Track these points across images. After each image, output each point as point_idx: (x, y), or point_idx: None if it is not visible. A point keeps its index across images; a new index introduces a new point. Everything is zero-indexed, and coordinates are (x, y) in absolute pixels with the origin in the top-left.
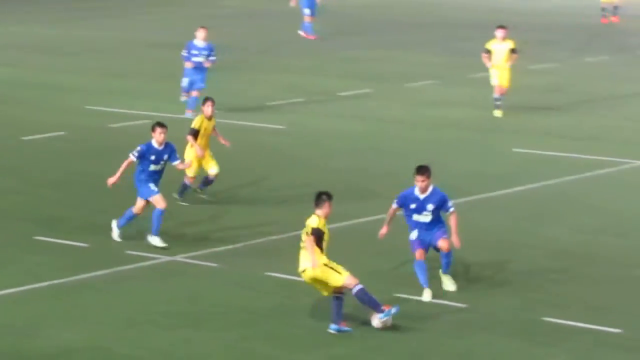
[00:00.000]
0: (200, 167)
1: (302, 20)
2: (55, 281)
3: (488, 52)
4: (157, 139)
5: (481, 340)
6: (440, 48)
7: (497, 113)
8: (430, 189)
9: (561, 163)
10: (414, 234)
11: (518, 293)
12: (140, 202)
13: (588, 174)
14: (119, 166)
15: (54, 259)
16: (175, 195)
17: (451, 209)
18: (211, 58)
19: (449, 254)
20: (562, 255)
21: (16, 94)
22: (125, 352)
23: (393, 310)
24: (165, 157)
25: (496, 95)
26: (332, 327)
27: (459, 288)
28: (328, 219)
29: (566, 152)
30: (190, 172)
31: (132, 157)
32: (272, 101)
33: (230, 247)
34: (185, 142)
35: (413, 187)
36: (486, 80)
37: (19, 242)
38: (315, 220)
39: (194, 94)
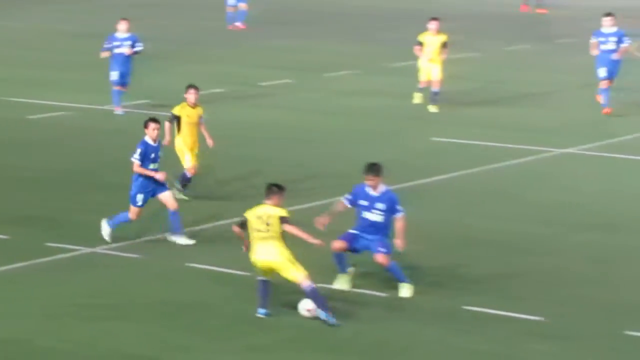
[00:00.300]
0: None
1: (225, 11)
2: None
3: (420, 44)
4: (150, 135)
5: (400, 329)
6: (360, 38)
7: (417, 98)
8: (382, 188)
9: (480, 152)
10: (353, 231)
11: (437, 282)
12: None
13: (507, 163)
14: (39, 158)
15: None
16: (178, 189)
17: (400, 214)
18: (137, 48)
19: (388, 268)
20: (481, 244)
21: None
22: (46, 345)
23: (331, 320)
24: (161, 153)
25: (420, 86)
26: (260, 312)
27: (378, 277)
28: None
29: (485, 141)
30: (187, 163)
31: (137, 161)
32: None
33: (152, 238)
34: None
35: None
36: (405, 70)
37: None
38: (277, 209)
39: (121, 88)
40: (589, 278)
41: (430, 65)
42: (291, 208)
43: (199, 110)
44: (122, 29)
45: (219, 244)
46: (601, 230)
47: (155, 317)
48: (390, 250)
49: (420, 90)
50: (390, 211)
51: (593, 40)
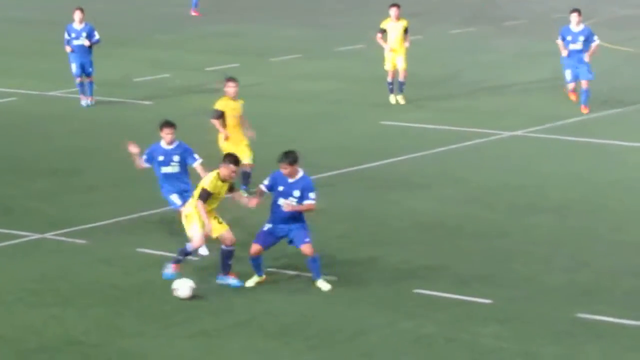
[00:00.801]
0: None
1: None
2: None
3: (383, 31)
4: (165, 139)
5: (350, 313)
6: (305, 22)
7: (393, 99)
8: (299, 174)
9: (429, 135)
10: (266, 226)
11: (387, 266)
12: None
13: (455, 145)
14: None
15: None
16: (242, 189)
17: (311, 201)
18: (94, 39)
19: (314, 259)
20: (430, 227)
21: None
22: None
23: (233, 282)
24: (176, 157)
25: (389, 80)
26: (218, 278)
27: (328, 261)
28: (228, 180)
29: (434, 124)
30: (246, 159)
31: (143, 164)
32: (139, 77)
33: (100, 224)
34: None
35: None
36: (351, 53)
37: None
38: (209, 178)
39: (87, 79)
40: (539, 261)
41: (393, 54)
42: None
43: (239, 103)
44: (77, 19)
45: (167, 229)
46: (550, 212)
47: (105, 303)
48: (311, 239)
49: (391, 87)
50: (303, 198)
51: (559, 41)
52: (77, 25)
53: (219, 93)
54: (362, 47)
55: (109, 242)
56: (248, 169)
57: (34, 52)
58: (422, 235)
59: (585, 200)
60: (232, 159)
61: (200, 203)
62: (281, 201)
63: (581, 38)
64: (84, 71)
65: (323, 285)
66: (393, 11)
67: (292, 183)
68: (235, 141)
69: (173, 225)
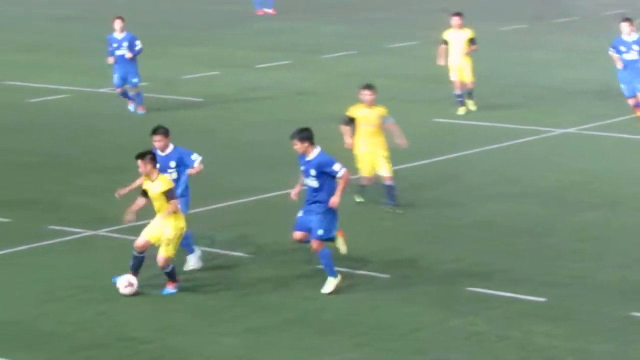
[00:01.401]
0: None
1: None
2: None
3: (445, 42)
4: (157, 146)
5: (401, 311)
6: (356, 18)
7: (462, 110)
8: (314, 152)
9: (481, 133)
10: (300, 212)
11: (439, 263)
12: None
13: (506, 143)
14: (39, 141)
15: None
16: (390, 204)
17: (340, 172)
18: (136, 48)
19: (321, 254)
20: (482, 225)
21: None
22: (47, 328)
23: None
24: (173, 163)
25: (457, 92)
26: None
27: (381, 259)
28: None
29: (485, 121)
30: (382, 172)
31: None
32: (188, 75)
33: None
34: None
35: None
36: (403, 50)
37: None
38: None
39: (133, 89)
40: (591, 258)
41: (459, 64)
42: (278, 192)
43: (378, 111)
44: (117, 28)
45: (216, 226)
46: (602, 209)
47: (155, 300)
48: (328, 234)
49: (461, 100)
50: (323, 175)
51: (613, 54)
52: (117, 34)
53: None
54: (413, 44)
55: None
56: (389, 182)
57: (85, 49)
58: (474, 233)
59: (637, 197)
60: (137, 155)
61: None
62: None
63: (635, 47)
64: (127, 82)
65: (327, 286)
66: (455, 20)
67: (308, 161)
68: (371, 152)
69: (220, 222)
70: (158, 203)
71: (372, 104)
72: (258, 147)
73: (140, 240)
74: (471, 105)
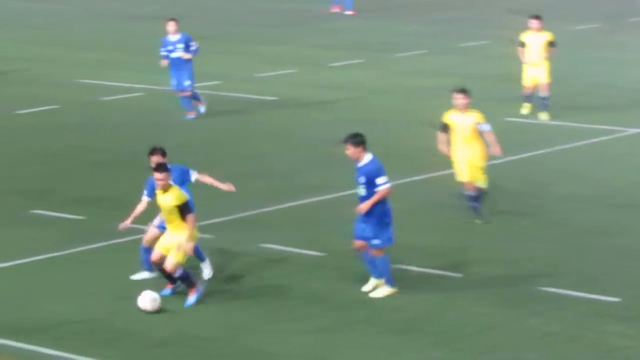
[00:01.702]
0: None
1: None
2: (50, 254)
3: (522, 45)
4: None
5: (474, 310)
6: (428, 17)
7: (526, 109)
8: (367, 158)
9: (552, 132)
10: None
11: (513, 263)
12: None
13: (579, 142)
14: (112, 139)
15: (47, 231)
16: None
17: (382, 186)
18: (192, 49)
19: (378, 260)
20: (555, 224)
21: (4, 67)
22: (120, 325)
23: (191, 300)
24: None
25: (526, 93)
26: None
27: (454, 258)
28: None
29: (557, 120)
30: (477, 181)
31: (144, 198)
32: (262, 73)
33: (223, 219)
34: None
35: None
36: (475, 49)
37: (12, 216)
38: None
39: (186, 94)
40: None
41: (534, 68)
42: (351, 191)
43: (472, 116)
44: (170, 30)
45: (288, 224)
46: None
47: (227, 298)
48: (386, 242)
49: (528, 98)
50: (371, 184)
51: None
52: (171, 37)
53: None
54: (485, 43)
55: (233, 237)
56: (478, 192)
57: (147, 47)
58: (547, 233)
59: None
60: (154, 167)
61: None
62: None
63: None
64: (181, 85)
65: (378, 291)
66: (534, 23)
67: (359, 168)
68: (466, 160)
69: (292, 221)
70: (169, 215)
71: (466, 108)
72: (331, 146)
73: (156, 255)
74: (544, 116)
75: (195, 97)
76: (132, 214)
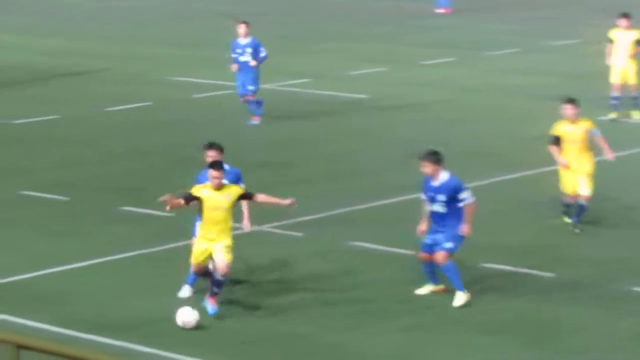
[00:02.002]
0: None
1: None
2: (139, 251)
3: (610, 41)
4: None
5: (566, 311)
6: (519, 15)
7: (614, 115)
8: (443, 176)
9: None
10: (427, 238)
11: (604, 263)
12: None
13: None
14: (203, 136)
15: (136, 228)
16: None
17: (466, 201)
18: (261, 55)
19: (446, 267)
20: None
21: (97, 65)
22: (209, 323)
23: (209, 309)
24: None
25: (614, 94)
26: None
27: (546, 258)
28: (218, 187)
29: None
30: (583, 190)
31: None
32: (353, 71)
33: (313, 217)
34: None
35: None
36: (566, 48)
37: (103, 213)
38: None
39: (250, 98)
40: None
41: (620, 66)
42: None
43: (583, 125)
44: (241, 34)
45: (379, 223)
46: None
47: (317, 295)
48: (456, 246)
49: (615, 104)
50: (452, 201)
51: None
52: (241, 40)
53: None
54: (576, 41)
55: (323, 235)
56: (584, 202)
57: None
58: (637, 233)
59: None
60: (211, 164)
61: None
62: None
63: None
64: (246, 90)
65: (457, 300)
66: (622, 22)
67: (437, 187)
68: (576, 169)
69: (383, 219)
70: (218, 215)
71: (576, 118)
72: (422, 144)
73: (197, 267)
74: (637, 115)
75: (258, 105)
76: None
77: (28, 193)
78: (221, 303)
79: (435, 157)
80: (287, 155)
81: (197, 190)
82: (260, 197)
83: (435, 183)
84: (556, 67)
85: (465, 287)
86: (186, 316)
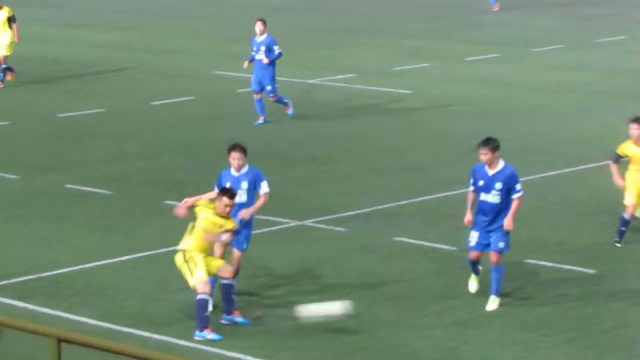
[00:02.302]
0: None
1: None
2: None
3: None
4: (232, 164)
5: (607, 307)
6: (565, 12)
7: None
8: (500, 164)
9: None
10: (474, 231)
11: None
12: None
13: None
14: (248, 131)
15: (182, 222)
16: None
17: (518, 193)
18: (273, 54)
19: (498, 268)
20: None
21: (143, 59)
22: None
23: (239, 319)
24: (245, 185)
25: None
26: (223, 318)
27: (587, 254)
28: (223, 216)
29: None
30: (628, 200)
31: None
32: (397, 66)
33: (358, 212)
34: None
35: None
36: (612, 45)
37: (147, 206)
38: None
39: (272, 99)
40: None
41: None
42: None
43: None
44: (258, 31)
45: (423, 218)
46: None
47: (362, 291)
48: (508, 244)
49: None
50: (506, 191)
51: None
52: (258, 37)
53: None
54: (623, 38)
55: (367, 231)
56: (627, 216)
57: (287, 40)
58: None
59: None
60: (226, 191)
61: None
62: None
63: None
64: (262, 88)
65: (491, 304)
66: None
67: (493, 175)
68: (635, 184)
69: (428, 215)
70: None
71: None
72: (466, 140)
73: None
74: None
75: (280, 101)
76: (199, 197)
77: (73, 187)
78: (269, 299)
79: (494, 144)
80: (330, 150)
81: (201, 210)
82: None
83: (492, 171)
84: (601, 63)
85: (506, 282)
86: (331, 309)
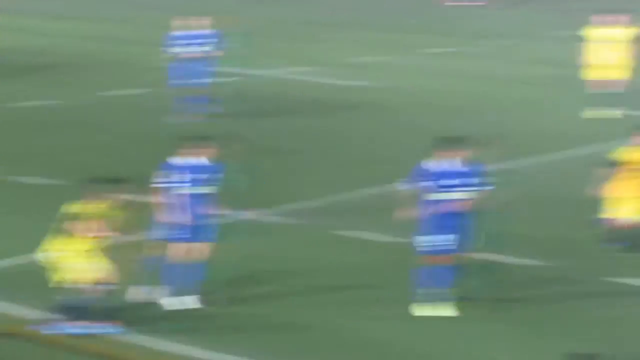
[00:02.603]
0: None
1: None
2: None
3: None
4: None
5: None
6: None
7: None
8: (469, 161)
9: None
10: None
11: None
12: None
13: None
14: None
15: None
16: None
17: (487, 187)
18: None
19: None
20: None
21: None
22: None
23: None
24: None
25: None
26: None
27: (550, 247)
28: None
29: None
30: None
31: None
32: (361, 58)
33: (312, 204)
34: None
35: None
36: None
37: None
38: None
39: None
40: None
41: None
42: None
43: None
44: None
45: (379, 210)
46: None
47: (314, 282)
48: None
49: None
50: (476, 186)
51: None
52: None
53: None
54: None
55: (321, 223)
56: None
57: (292, 34)
58: None
59: None
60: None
61: None
62: None
63: None
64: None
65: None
66: None
67: (464, 171)
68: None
69: (386, 208)
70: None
71: None
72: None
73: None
74: None
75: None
76: None
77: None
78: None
79: (463, 142)
80: (293, 144)
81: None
82: None
83: (463, 168)
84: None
85: (469, 280)
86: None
